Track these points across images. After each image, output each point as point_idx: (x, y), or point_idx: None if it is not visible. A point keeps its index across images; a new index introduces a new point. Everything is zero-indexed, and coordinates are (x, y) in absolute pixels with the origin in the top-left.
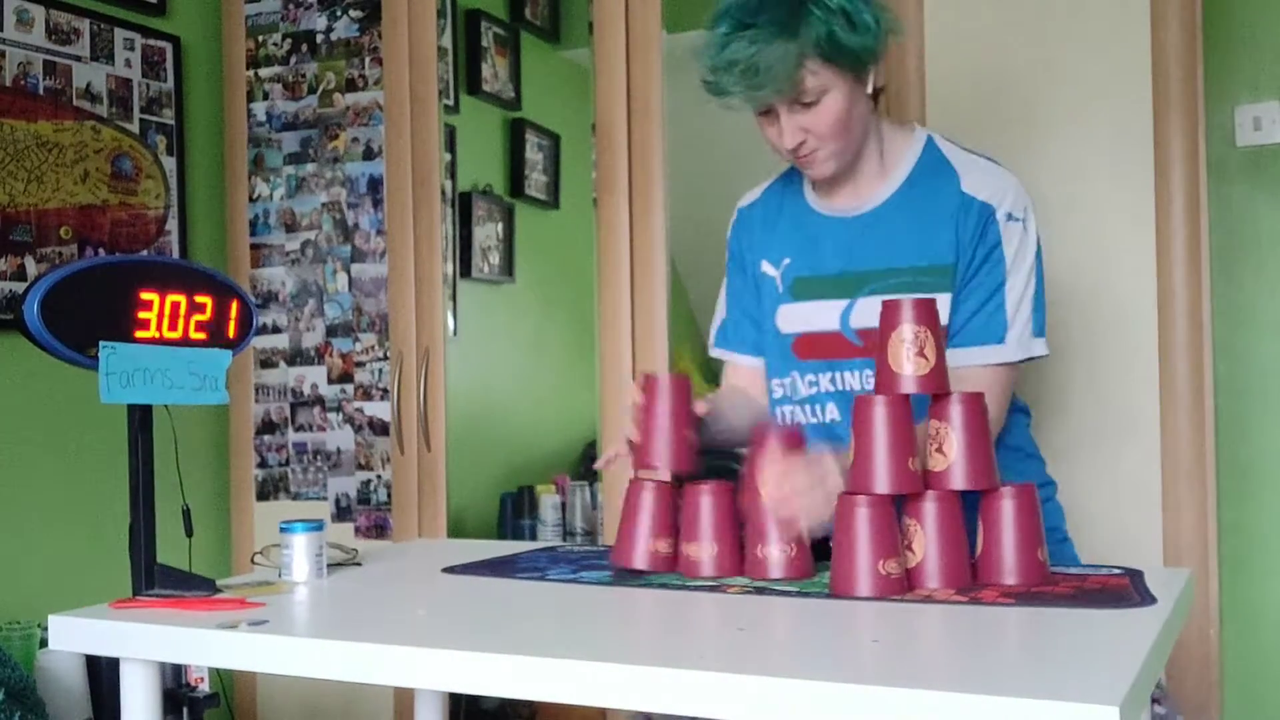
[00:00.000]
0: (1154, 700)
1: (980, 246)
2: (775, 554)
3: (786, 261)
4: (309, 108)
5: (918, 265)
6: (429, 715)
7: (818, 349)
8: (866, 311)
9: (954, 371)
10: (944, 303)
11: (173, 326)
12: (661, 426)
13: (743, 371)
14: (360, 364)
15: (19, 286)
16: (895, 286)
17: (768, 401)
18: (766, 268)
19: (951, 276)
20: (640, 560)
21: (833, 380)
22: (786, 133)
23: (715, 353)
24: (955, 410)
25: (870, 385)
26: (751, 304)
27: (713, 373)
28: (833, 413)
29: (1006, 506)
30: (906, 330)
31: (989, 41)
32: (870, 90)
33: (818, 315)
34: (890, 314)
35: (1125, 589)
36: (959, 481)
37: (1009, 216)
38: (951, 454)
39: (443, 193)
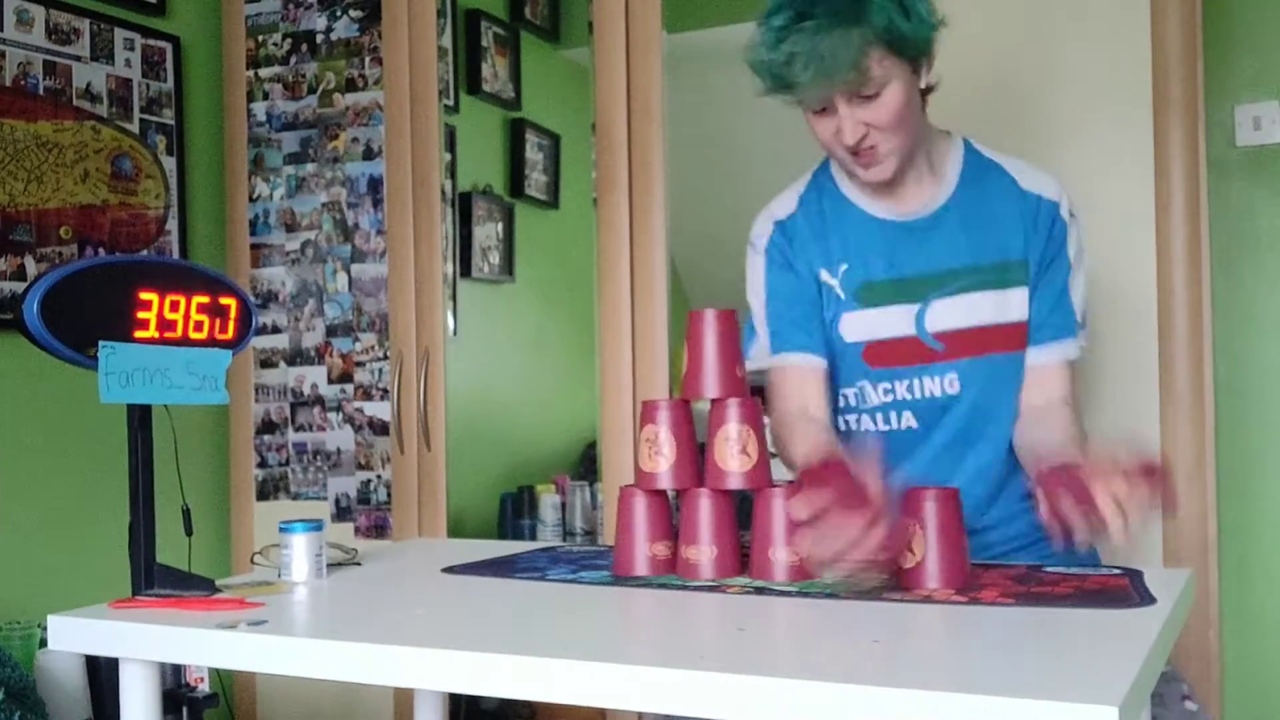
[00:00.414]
0: (1184, 697)
1: (1050, 243)
2: (782, 558)
3: (844, 268)
4: (309, 108)
5: (992, 262)
6: (428, 715)
7: (892, 356)
8: (945, 313)
9: (1040, 368)
10: (1021, 297)
11: (172, 326)
12: (710, 358)
13: (808, 375)
14: (360, 364)
15: (19, 286)
16: (974, 285)
17: (825, 409)
18: (825, 276)
19: (1026, 271)
20: (640, 566)
21: (909, 388)
22: (847, 128)
23: (775, 360)
24: (929, 508)
25: (954, 390)
26: (807, 306)
27: None
28: (909, 420)
29: (929, 510)
30: (731, 429)
31: (989, 42)
32: (923, 85)
33: (890, 321)
34: (717, 412)
35: (1125, 589)
36: (933, 581)
37: (1071, 215)
38: (920, 552)
39: (443, 193)
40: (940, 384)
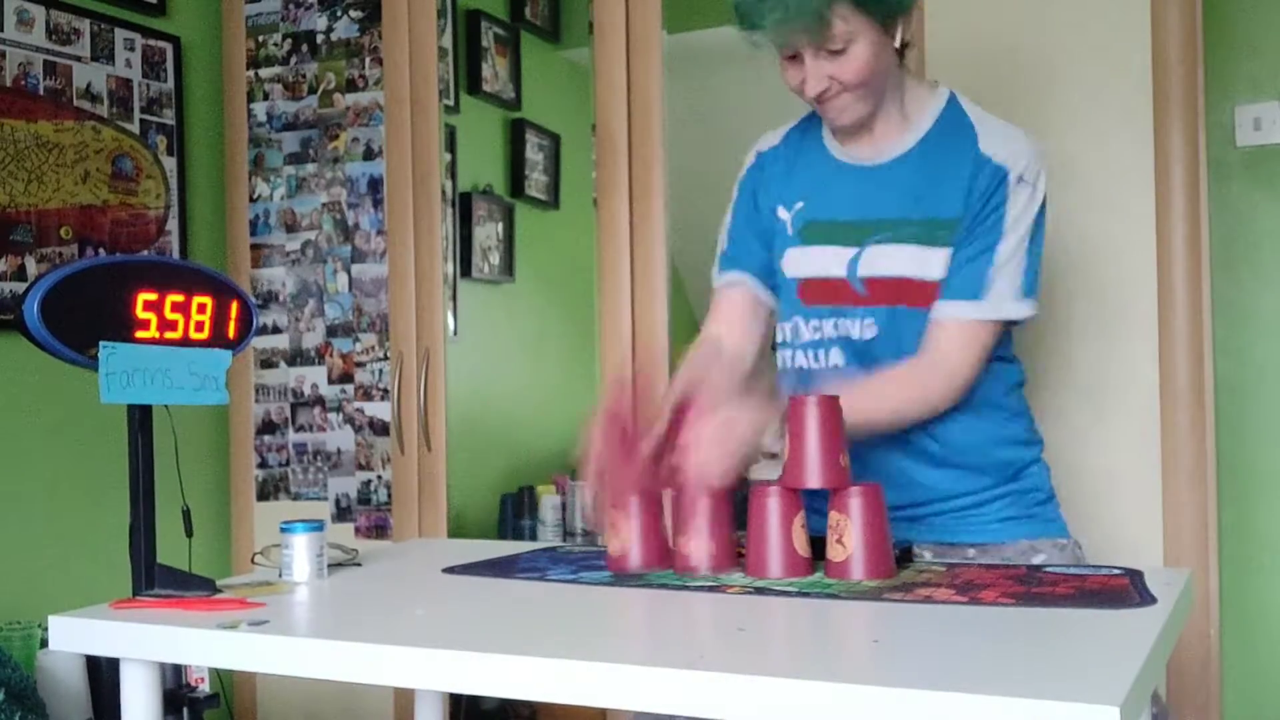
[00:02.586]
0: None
1: (986, 206)
2: (698, 549)
3: (799, 206)
4: (309, 108)
5: (927, 218)
6: (429, 716)
7: (823, 294)
8: (874, 260)
9: (933, 323)
10: (943, 256)
11: (173, 327)
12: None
13: (737, 295)
14: (360, 364)
15: (19, 286)
16: (904, 237)
17: (753, 337)
18: (781, 212)
19: (953, 231)
20: (635, 561)
21: (835, 326)
22: (811, 79)
23: (722, 278)
24: (854, 504)
25: (870, 334)
26: (757, 240)
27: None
28: (836, 358)
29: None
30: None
31: (989, 42)
32: (897, 44)
33: (826, 260)
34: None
35: (1125, 589)
36: (858, 573)
37: (1020, 179)
38: (850, 546)
39: (443, 193)
40: (859, 326)
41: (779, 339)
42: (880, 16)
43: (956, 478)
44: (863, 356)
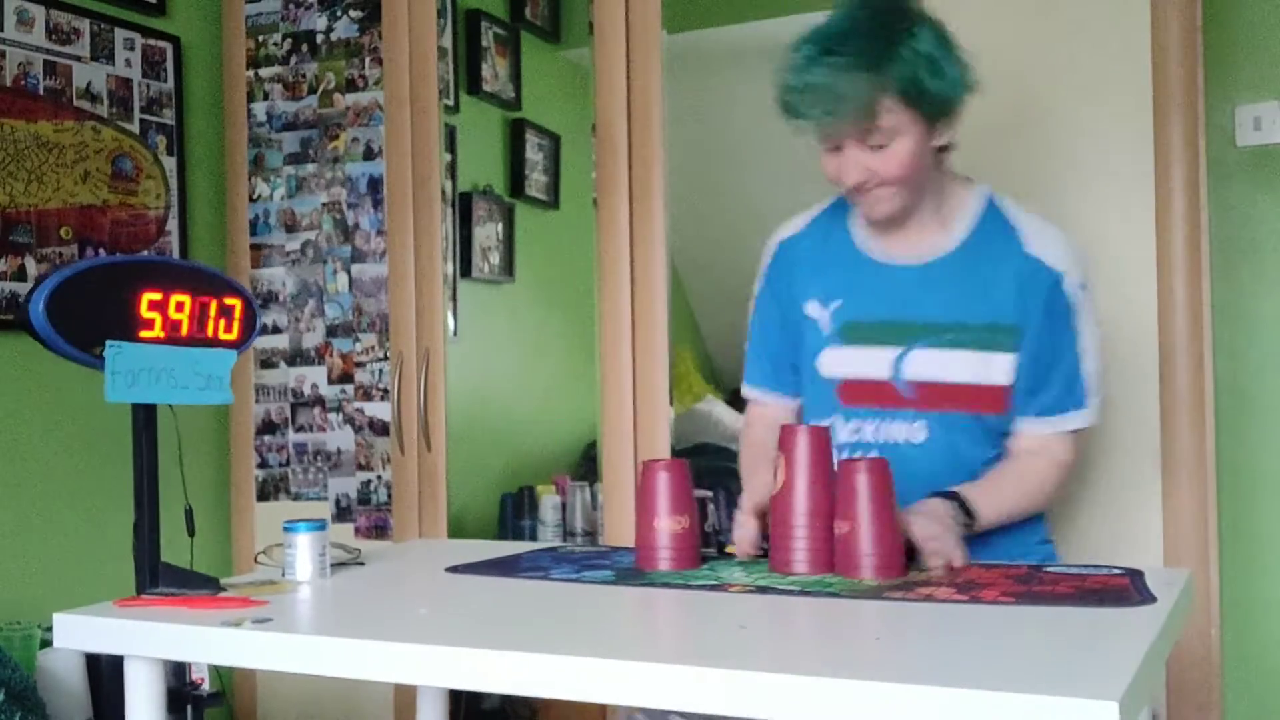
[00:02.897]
0: None
1: (1051, 314)
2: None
3: (837, 304)
4: (309, 108)
5: (980, 322)
6: (430, 714)
7: (865, 396)
8: (923, 364)
9: (1037, 439)
10: (1005, 362)
11: (177, 326)
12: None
13: (773, 412)
14: (360, 364)
15: (19, 286)
16: (954, 341)
17: None
18: (812, 308)
19: (1014, 337)
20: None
21: (877, 430)
22: (851, 169)
23: (750, 392)
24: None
25: (920, 438)
26: (786, 344)
27: (712, 374)
28: None
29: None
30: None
31: (989, 42)
32: (940, 143)
33: (868, 361)
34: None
35: (1125, 589)
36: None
37: (1081, 286)
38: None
39: (443, 193)
40: (907, 430)
41: None
42: (928, 114)
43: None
44: (909, 461)
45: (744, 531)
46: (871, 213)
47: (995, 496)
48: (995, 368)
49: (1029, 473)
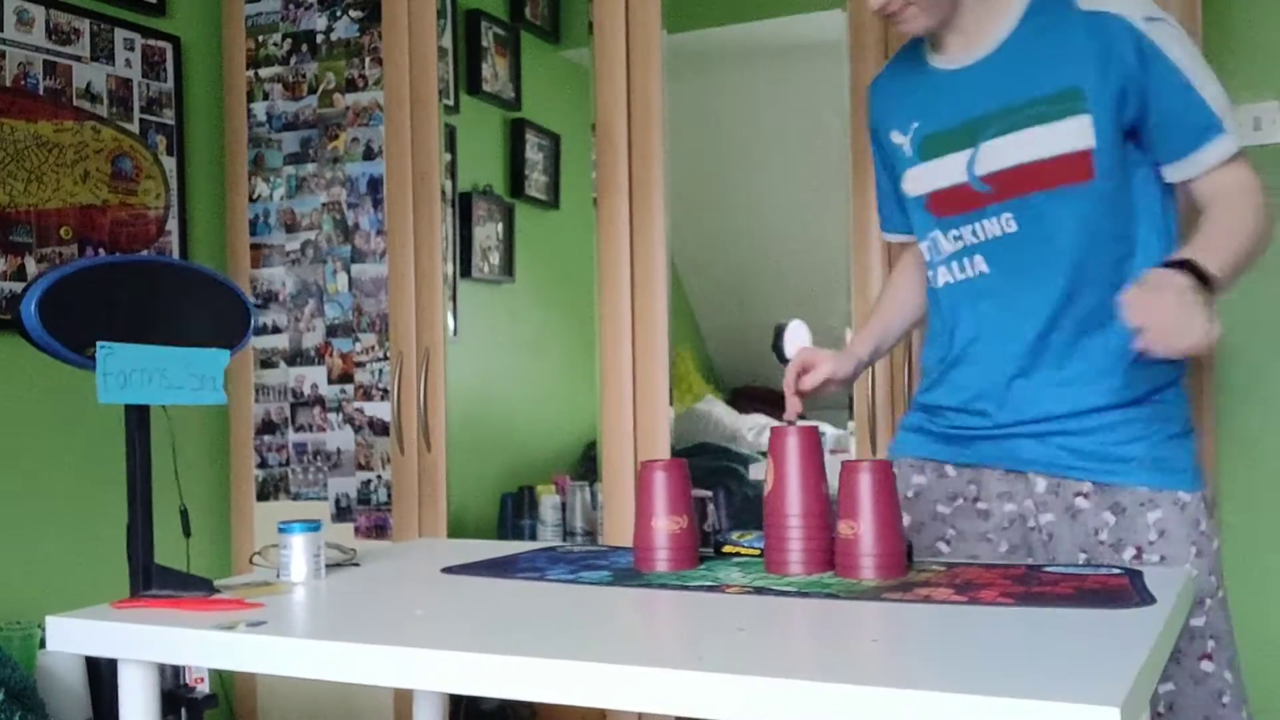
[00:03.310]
0: (1203, 656)
1: (1139, 59)
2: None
3: (915, 125)
4: (309, 108)
5: (1041, 95)
6: (428, 716)
7: (951, 204)
8: (989, 157)
9: (1202, 183)
10: (1079, 125)
11: (171, 326)
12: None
13: (902, 250)
14: (360, 364)
15: (19, 286)
16: (1018, 123)
17: (915, 274)
18: (896, 137)
19: (1082, 100)
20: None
21: (974, 232)
22: None
23: (888, 238)
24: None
25: (1011, 229)
26: (888, 184)
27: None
28: (980, 265)
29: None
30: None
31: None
32: None
33: (944, 170)
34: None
35: (1125, 589)
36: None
37: (1148, 19)
38: (859, 526)
39: (443, 193)
40: (999, 224)
41: (925, 258)
42: None
43: (1080, 392)
44: (1008, 253)
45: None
46: (909, 29)
47: (1214, 249)
48: (1067, 134)
49: (1227, 214)
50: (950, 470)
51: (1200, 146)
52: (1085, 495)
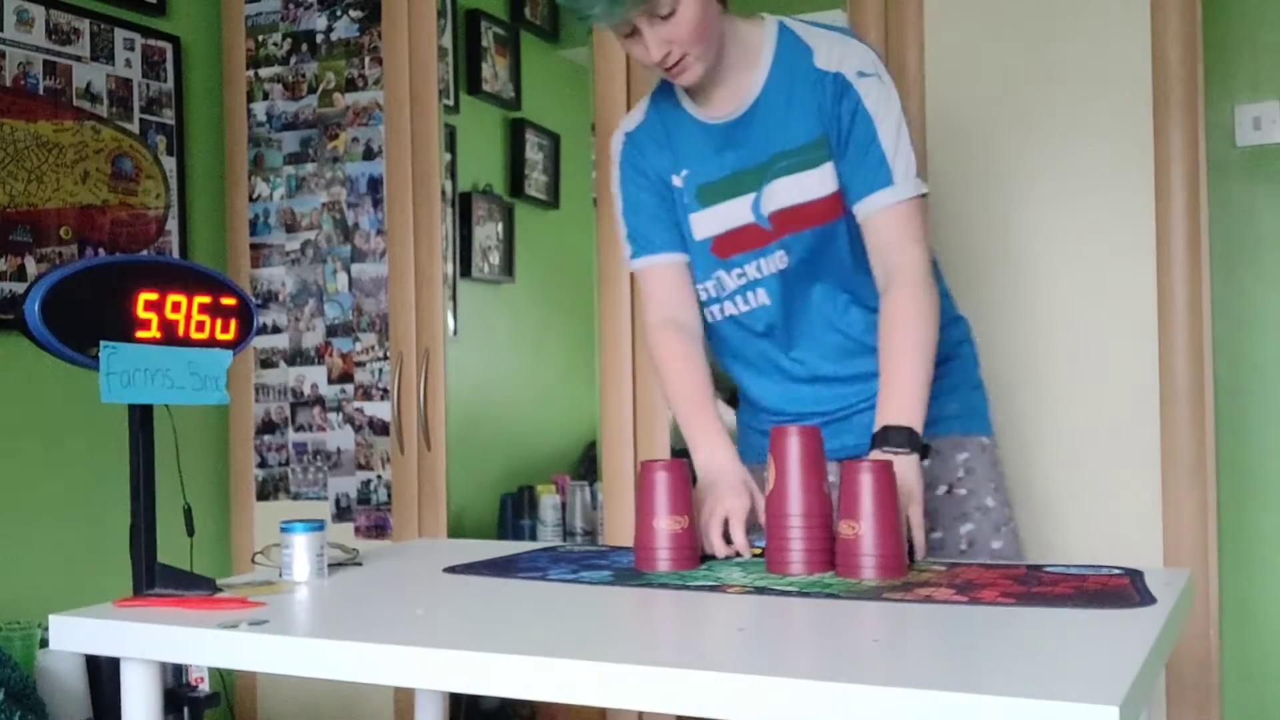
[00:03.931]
0: None
1: (844, 111)
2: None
3: (685, 173)
4: (309, 108)
5: (804, 143)
6: (429, 715)
7: (738, 243)
8: (771, 197)
9: (865, 224)
10: (827, 172)
11: (173, 327)
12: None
13: (667, 272)
14: (360, 364)
15: (19, 286)
16: (789, 168)
17: (694, 302)
18: (676, 180)
19: (826, 147)
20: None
21: (758, 268)
22: (651, 46)
23: (637, 264)
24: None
25: (784, 265)
26: (660, 208)
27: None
28: (763, 298)
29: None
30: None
31: (989, 42)
32: None
33: (728, 213)
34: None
35: (1125, 589)
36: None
37: (860, 74)
38: (860, 526)
39: (443, 193)
40: (776, 260)
41: (702, 299)
42: None
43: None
44: (786, 284)
45: (714, 529)
46: (685, 80)
47: (914, 392)
48: (816, 180)
49: (913, 328)
50: None
51: (869, 193)
52: None
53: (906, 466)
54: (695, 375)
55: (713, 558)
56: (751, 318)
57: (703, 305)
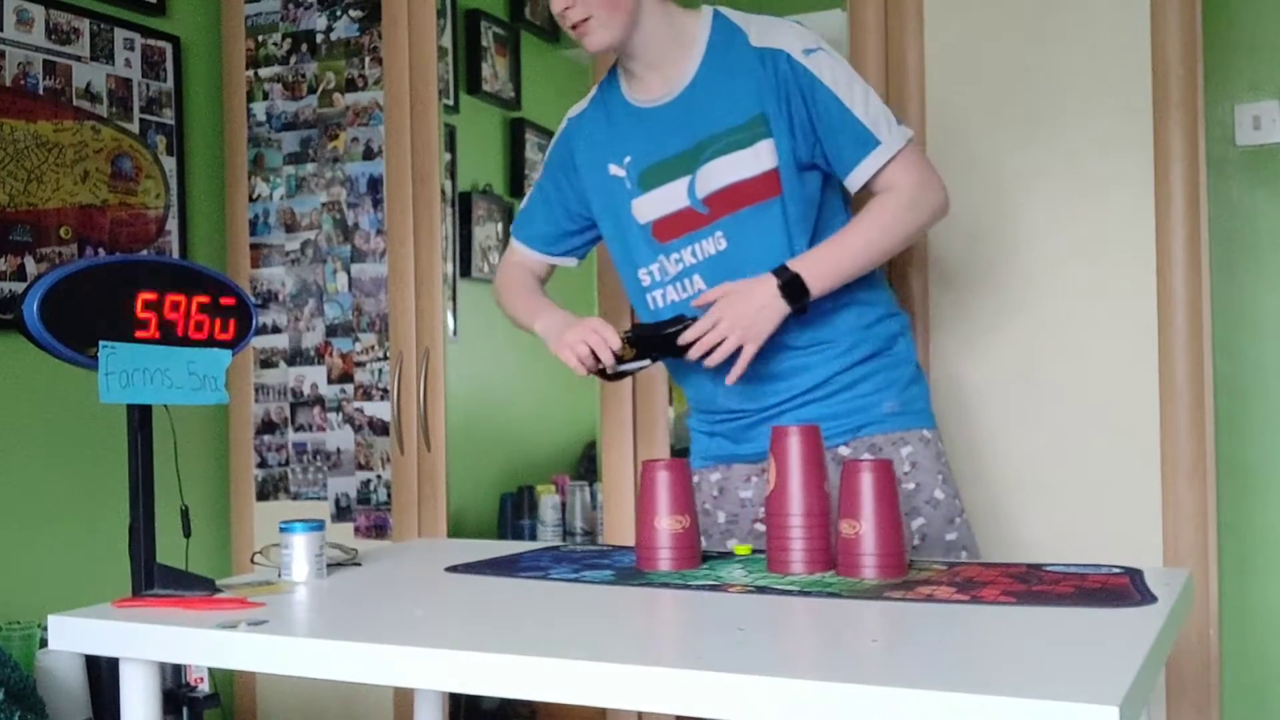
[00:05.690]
0: None
1: (799, 91)
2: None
3: (628, 159)
4: (309, 108)
5: (735, 124)
6: (429, 715)
7: (674, 228)
8: (706, 179)
9: (872, 187)
10: (766, 148)
11: (172, 327)
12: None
13: (526, 257)
14: (360, 364)
15: (19, 286)
16: (723, 148)
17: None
18: (615, 170)
19: (765, 124)
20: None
21: (693, 253)
22: (562, 6)
23: (513, 236)
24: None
25: (722, 246)
26: (555, 204)
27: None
28: (699, 283)
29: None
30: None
31: (989, 42)
32: None
33: (667, 197)
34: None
35: (1125, 588)
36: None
37: (805, 52)
38: (861, 525)
39: (443, 193)
40: (713, 243)
41: (644, 284)
42: None
43: (824, 360)
44: (719, 270)
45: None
46: (591, 45)
47: (828, 255)
48: (758, 156)
49: (863, 218)
50: (737, 466)
51: (860, 161)
52: (846, 444)
53: (763, 289)
54: (526, 280)
55: (713, 558)
56: (689, 306)
57: (645, 291)
